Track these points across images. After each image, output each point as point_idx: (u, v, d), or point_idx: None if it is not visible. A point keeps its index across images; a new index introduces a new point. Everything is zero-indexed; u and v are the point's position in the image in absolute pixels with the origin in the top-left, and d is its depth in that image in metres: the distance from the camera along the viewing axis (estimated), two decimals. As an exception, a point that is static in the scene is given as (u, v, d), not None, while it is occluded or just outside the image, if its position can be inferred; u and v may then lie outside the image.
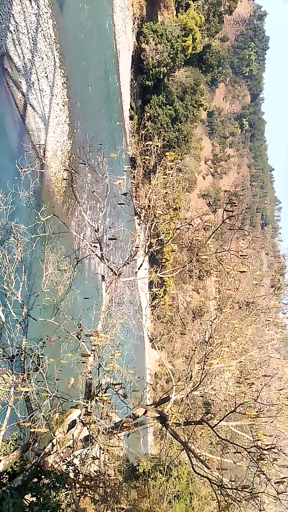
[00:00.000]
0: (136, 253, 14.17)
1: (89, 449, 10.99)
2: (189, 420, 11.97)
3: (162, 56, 55.62)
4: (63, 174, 36.08)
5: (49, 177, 35.08)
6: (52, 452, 10.74)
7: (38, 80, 34.98)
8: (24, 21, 32.94)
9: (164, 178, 13.75)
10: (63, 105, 39.08)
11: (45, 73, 35.89)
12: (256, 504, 8.75)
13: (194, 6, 72.22)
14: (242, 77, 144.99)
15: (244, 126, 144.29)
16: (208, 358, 11.61)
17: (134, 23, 58.09)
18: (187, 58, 65.68)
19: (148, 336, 37.69)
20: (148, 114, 59.34)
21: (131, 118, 60.04)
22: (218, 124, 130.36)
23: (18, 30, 32.43)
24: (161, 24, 58.94)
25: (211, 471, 10.39)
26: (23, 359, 12.01)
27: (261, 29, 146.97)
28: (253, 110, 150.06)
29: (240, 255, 12.55)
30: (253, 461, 9.50)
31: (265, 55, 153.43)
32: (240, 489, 8.76)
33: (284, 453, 9.77)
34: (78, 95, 41.51)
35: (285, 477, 8.64)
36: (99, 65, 48.88)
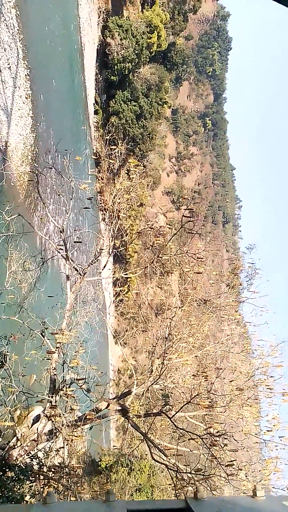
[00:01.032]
0: (100, 254, 14.63)
1: (53, 442, 11.41)
2: (148, 412, 12.69)
3: (128, 51, 55.78)
4: (26, 169, 35.61)
5: (11, 171, 34.50)
6: (16, 446, 11.08)
7: (0, 71, 34.20)
8: (-15, 9, 32.08)
9: (127, 183, 14.26)
10: (26, 98, 38.41)
11: (8, 64, 35.12)
12: (209, 485, 9.59)
13: (159, 3, 72.75)
14: (206, 76, 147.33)
15: (207, 125, 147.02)
16: (168, 353, 12.35)
17: (99, 17, 57.77)
18: (152, 55, 66.19)
19: (112, 333, 38.19)
20: (113, 109, 59.35)
21: (95, 112, 59.82)
22: (182, 122, 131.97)
23: (-22, 18, 31.55)
24: (126, 19, 59.01)
25: (169, 459, 11.16)
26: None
27: (225, 30, 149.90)
28: (216, 110, 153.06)
29: (197, 258, 13.35)
30: (206, 447, 10.34)
31: (228, 56, 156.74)
32: (194, 473, 9.58)
33: (234, 439, 10.71)
34: (41, 88, 40.92)
35: (233, 460, 9.53)
36: (63, 58, 48.31)
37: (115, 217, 13.91)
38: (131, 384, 13.62)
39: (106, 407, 12.36)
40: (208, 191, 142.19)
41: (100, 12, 57.33)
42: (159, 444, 11.55)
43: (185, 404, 10.79)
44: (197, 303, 15.93)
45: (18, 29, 35.78)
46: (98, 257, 14.66)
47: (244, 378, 12.97)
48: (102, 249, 14.48)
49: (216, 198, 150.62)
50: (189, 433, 10.76)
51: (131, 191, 14.10)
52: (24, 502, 9.47)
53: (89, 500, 12.59)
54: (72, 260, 14.26)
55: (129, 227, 15.67)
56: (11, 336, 13.54)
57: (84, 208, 15.55)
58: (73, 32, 50.35)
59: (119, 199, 13.96)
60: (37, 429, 11.45)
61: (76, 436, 9.71)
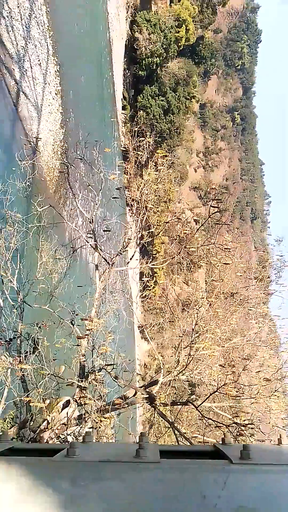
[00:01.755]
0: (128, 244, 14.81)
1: (82, 427, 11.75)
2: (175, 401, 12.81)
3: (156, 46, 55.63)
4: (56, 163, 36.30)
5: (41, 166, 35.27)
6: (47, 429, 11.48)
7: (31, 67, 34.93)
8: (18, 7, 32.77)
9: (155, 174, 14.37)
10: (56, 94, 39.10)
11: (38, 60, 35.86)
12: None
13: (188, -4, 71.98)
14: (235, 70, 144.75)
15: (235, 119, 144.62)
16: (194, 344, 12.40)
17: (127, 12, 57.85)
18: (180, 49, 65.68)
19: (138, 325, 38.54)
20: (141, 104, 59.42)
21: (123, 108, 60.09)
22: (210, 116, 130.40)
23: (11, 16, 32.27)
24: (154, 14, 58.81)
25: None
26: (19, 342, 12.66)
27: (254, 22, 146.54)
28: (245, 104, 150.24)
29: (225, 249, 13.29)
30: (232, 436, 10.36)
31: (257, 49, 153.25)
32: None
33: (261, 431, 10.68)
34: (71, 84, 41.53)
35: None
36: (92, 54, 48.77)
37: (143, 208, 14.05)
38: (158, 373, 13.78)
39: (134, 395, 12.56)
40: (236, 187, 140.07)
41: (129, 7, 57.41)
42: (185, 433, 11.66)
43: (212, 393, 10.83)
44: (224, 296, 15.87)
45: (48, 26, 36.44)
46: (126, 247, 14.86)
47: (271, 371, 12.87)
48: (130, 239, 14.66)
49: (244, 194, 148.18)
50: (216, 422, 10.82)
51: (158, 182, 14.21)
52: None
53: (124, 442, 12.91)
54: (101, 250, 14.53)
55: (156, 220, 15.78)
56: (42, 324, 13.97)
57: (113, 198, 15.78)
58: (101, 28, 50.69)
59: (147, 190, 14.09)
60: (67, 413, 11.82)
61: (105, 418, 9.96)
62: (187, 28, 64.15)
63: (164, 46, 57.09)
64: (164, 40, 57.02)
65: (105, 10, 50.93)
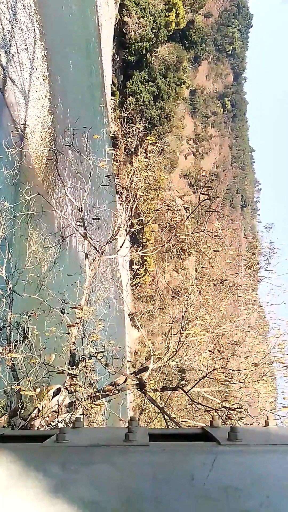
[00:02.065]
0: (118, 232, 14.78)
1: (72, 414, 11.86)
2: (165, 387, 12.99)
3: (145, 30, 54.71)
4: (44, 151, 35.79)
5: (29, 153, 34.74)
6: (38, 417, 11.57)
7: (18, 52, 34.08)
8: (3, -11, 31.83)
9: (145, 161, 14.28)
10: (43, 79, 38.31)
11: (25, 45, 35.00)
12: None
13: (178, -21, 70.66)
14: (225, 55, 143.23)
15: (226, 105, 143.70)
16: (184, 330, 12.54)
17: (116, -5, 56.66)
18: (170, 34, 64.73)
19: (129, 312, 38.78)
20: (130, 90, 58.64)
21: (113, 94, 59.26)
22: (201, 103, 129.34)
23: (-4, -2, 31.37)
24: (144, -3, 57.65)
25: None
26: (9, 332, 12.64)
27: (245, 6, 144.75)
28: (236, 90, 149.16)
29: (214, 236, 13.37)
30: (221, 420, 10.58)
31: (248, 33, 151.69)
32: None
33: (250, 415, 10.92)
34: (59, 69, 40.74)
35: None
36: (80, 38, 47.76)
37: (133, 195, 14.00)
38: (148, 360, 13.92)
39: (124, 382, 12.70)
40: (226, 174, 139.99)
41: (117, -11, 56.20)
42: (175, 418, 11.86)
43: (201, 379, 11.01)
44: (214, 283, 16.00)
45: (34, 9, 35.47)
46: (116, 235, 14.83)
47: (260, 356, 13.10)
48: (120, 227, 14.62)
49: (234, 181, 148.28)
50: (205, 406, 11.02)
51: (148, 170, 14.14)
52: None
53: (113, 426, 13.15)
54: (90, 238, 14.48)
55: (146, 208, 15.75)
56: (32, 313, 13.95)
57: (102, 185, 15.68)
58: (89, 12, 49.58)
59: (137, 177, 14.02)
60: (58, 401, 11.91)
61: (95, 404, 10.08)
62: (177, 12, 63.13)
63: (154, 30, 56.17)
64: (154, 24, 56.08)
65: (93, -8, 49.79)
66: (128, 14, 54.40)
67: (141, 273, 63.16)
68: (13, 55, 33.30)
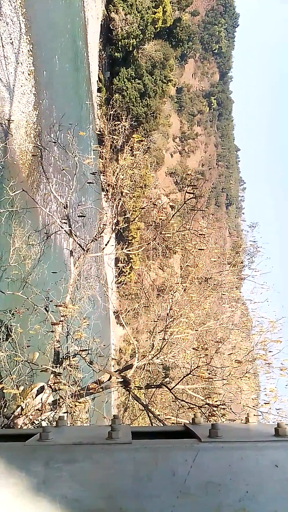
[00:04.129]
0: (103, 230, 14.76)
1: (56, 412, 11.82)
2: (149, 384, 13.06)
3: (132, 27, 54.50)
4: (29, 146, 35.38)
5: (14, 149, 34.28)
6: (21, 415, 11.50)
7: (2, 46, 33.53)
8: (-12, -19, 31.29)
9: (131, 159, 14.27)
10: (28, 74, 37.80)
11: (10, 39, 34.46)
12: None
13: (166, -24, 70.59)
14: (212, 54, 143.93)
15: (212, 104, 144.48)
16: (169, 328, 12.62)
17: (103, -9, 56.30)
18: (157, 31, 64.62)
19: (114, 310, 38.76)
20: (116, 87, 58.39)
21: (99, 90, 58.91)
22: (187, 101, 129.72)
23: (-20, -9, 30.82)
24: (131, -7, 57.41)
25: (169, 429, 11.51)
26: (-8, 329, 12.51)
27: (232, 5, 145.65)
28: (222, 89, 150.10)
29: (199, 234, 13.47)
30: (204, 417, 10.70)
31: (234, 33, 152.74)
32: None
33: (232, 411, 11.06)
34: (44, 64, 40.26)
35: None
36: (66, 34, 47.29)
37: (118, 193, 13.98)
38: (133, 358, 13.96)
39: (109, 379, 12.72)
40: (212, 173, 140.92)
41: (104, -15, 55.82)
42: (159, 415, 11.94)
43: (185, 376, 11.11)
44: (199, 281, 16.13)
45: (20, 3, 34.95)
46: (101, 232, 14.79)
47: (243, 353, 13.28)
48: (105, 224, 14.60)
49: (220, 180, 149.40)
50: (188, 403, 11.12)
51: (134, 167, 14.14)
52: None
53: (97, 425, 13.17)
54: (75, 235, 14.41)
55: (132, 205, 15.76)
56: (16, 311, 13.83)
57: (88, 183, 15.61)
58: (76, 7, 49.12)
59: (123, 175, 14.00)
60: (41, 399, 11.85)
61: (79, 402, 10.07)
62: (164, 9, 63.07)
63: (141, 27, 55.98)
64: (141, 21, 55.88)
65: (80, -12, 49.36)
66: (115, 10, 54.10)
67: (126, 271, 63.14)
68: (-3, 49, 32.79)
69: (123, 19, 54.22)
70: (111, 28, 55.04)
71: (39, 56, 38.23)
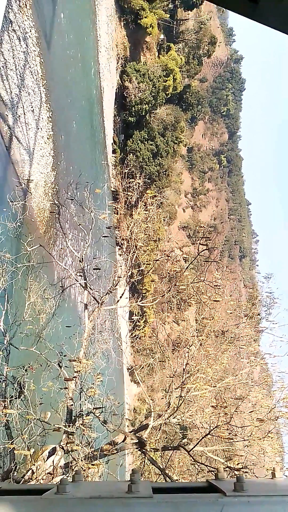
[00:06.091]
0: (117, 282, 14.82)
1: (68, 475, 11.14)
2: (166, 446, 12.33)
3: (145, 94, 58.50)
4: (46, 204, 36.84)
5: (32, 207, 35.69)
6: (31, 479, 10.85)
7: (24, 114, 36.23)
8: (13, 58, 34.45)
9: (145, 213, 14.66)
10: (47, 138, 40.36)
11: (31, 107, 37.29)
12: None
13: (175, 48, 76.93)
14: (220, 115, 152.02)
15: (222, 162, 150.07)
16: (185, 385, 12.13)
17: (118, 63, 61.31)
18: (168, 97, 69.07)
19: (128, 366, 37.69)
20: (130, 148, 61.53)
21: (114, 151, 62.12)
22: (198, 159, 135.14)
23: (6, 66, 33.84)
24: (143, 64, 62.33)
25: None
26: (4, 386, 12.22)
27: (238, 72, 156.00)
28: (231, 147, 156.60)
29: (214, 285, 13.37)
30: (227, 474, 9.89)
31: (241, 96, 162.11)
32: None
33: (255, 475, 10.25)
34: (62, 129, 43.01)
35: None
36: (83, 101, 50.98)
37: (133, 246, 14.20)
38: (148, 418, 13.33)
39: (123, 441, 12.07)
40: (224, 226, 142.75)
41: (119, 58, 60.90)
42: (177, 480, 11.13)
43: (204, 437, 10.47)
44: (215, 334, 15.74)
45: (41, 75, 38.25)
46: (116, 285, 14.84)
47: (264, 411, 12.56)
48: (120, 277, 14.69)
49: (232, 233, 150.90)
50: (208, 467, 10.37)
51: (148, 221, 14.47)
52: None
53: (115, 480, 12.19)
54: (90, 288, 14.48)
55: (146, 258, 15.94)
56: (29, 367, 13.59)
57: (103, 236, 15.98)
58: (93, 77, 53.35)
59: (137, 229, 14.31)
60: (53, 461, 11.24)
61: (92, 465, 9.48)
62: (175, 77, 67.86)
63: (153, 94, 60.03)
64: (153, 88, 60.04)
65: (96, 61, 53.90)
66: (128, 80, 58.52)
67: (140, 325, 62.26)
68: (19, 116, 35.39)
69: (136, 87, 58.40)
70: (125, 95, 59.20)
71: (57, 121, 40.99)
